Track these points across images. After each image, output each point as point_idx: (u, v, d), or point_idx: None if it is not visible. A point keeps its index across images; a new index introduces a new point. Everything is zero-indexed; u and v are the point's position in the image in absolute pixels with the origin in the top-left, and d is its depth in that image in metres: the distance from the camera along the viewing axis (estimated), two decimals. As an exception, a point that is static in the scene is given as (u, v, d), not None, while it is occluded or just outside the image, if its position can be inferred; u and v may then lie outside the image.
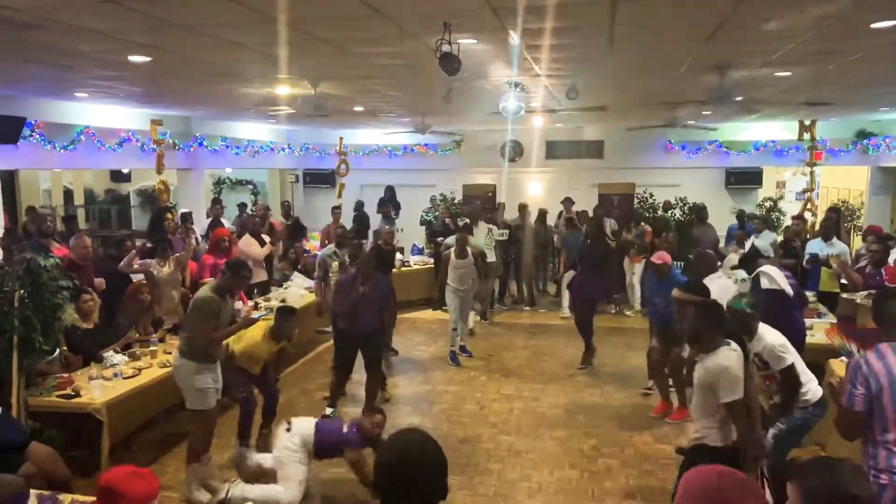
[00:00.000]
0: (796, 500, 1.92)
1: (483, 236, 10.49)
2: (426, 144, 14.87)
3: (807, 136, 10.67)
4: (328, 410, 6.49)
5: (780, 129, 13.17)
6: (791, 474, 2.00)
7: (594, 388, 7.41)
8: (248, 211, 13.73)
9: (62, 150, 9.05)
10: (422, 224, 13.25)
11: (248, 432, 5.65)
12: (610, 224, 11.26)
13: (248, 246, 8.69)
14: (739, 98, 7.36)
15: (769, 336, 4.39)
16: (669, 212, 12.16)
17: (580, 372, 7.93)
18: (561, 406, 6.89)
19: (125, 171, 14.62)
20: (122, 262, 7.31)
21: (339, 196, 12.96)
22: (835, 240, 8.09)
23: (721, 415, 3.57)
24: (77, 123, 9.34)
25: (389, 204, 14.06)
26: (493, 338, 9.63)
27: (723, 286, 5.98)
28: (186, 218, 9.88)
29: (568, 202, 12.23)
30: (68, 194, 15.13)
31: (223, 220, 11.44)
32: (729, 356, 3.54)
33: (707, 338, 3.63)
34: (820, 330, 6.38)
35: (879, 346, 3.13)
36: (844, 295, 6.89)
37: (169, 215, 9.07)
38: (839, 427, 3.26)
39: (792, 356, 4.33)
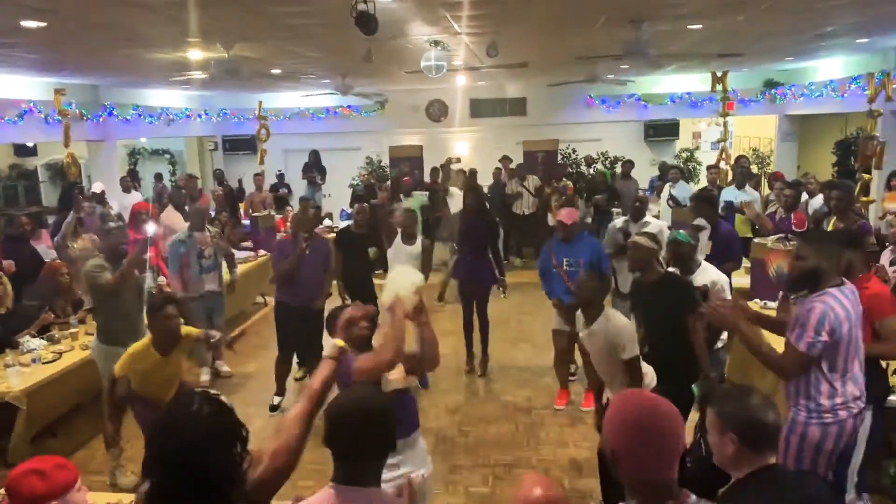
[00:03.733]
0: (714, 423, 2.19)
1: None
2: (349, 106, 14.57)
3: (719, 87, 11.03)
4: (276, 400, 6.03)
5: (695, 81, 13.53)
6: (711, 401, 2.28)
7: (525, 343, 7.58)
8: (167, 182, 13.24)
9: (-44, 125, 8.44)
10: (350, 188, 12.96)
11: None
12: (532, 180, 11.28)
13: (170, 219, 8.39)
14: (654, 51, 7.50)
15: (715, 272, 4.64)
16: (592, 166, 12.37)
17: (518, 339, 7.80)
18: (493, 360, 7.00)
19: (30, 144, 13.74)
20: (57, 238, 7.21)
21: (261, 162, 12.60)
22: (748, 187, 8.48)
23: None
24: (-29, 95, 8.71)
25: (314, 168, 13.79)
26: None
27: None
28: (100, 196, 9.42)
29: (506, 160, 12.13)
30: (-33, 172, 14.16)
31: (137, 192, 10.98)
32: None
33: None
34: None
35: (831, 291, 3.09)
36: (756, 240, 7.22)
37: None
38: (780, 367, 3.18)
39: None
